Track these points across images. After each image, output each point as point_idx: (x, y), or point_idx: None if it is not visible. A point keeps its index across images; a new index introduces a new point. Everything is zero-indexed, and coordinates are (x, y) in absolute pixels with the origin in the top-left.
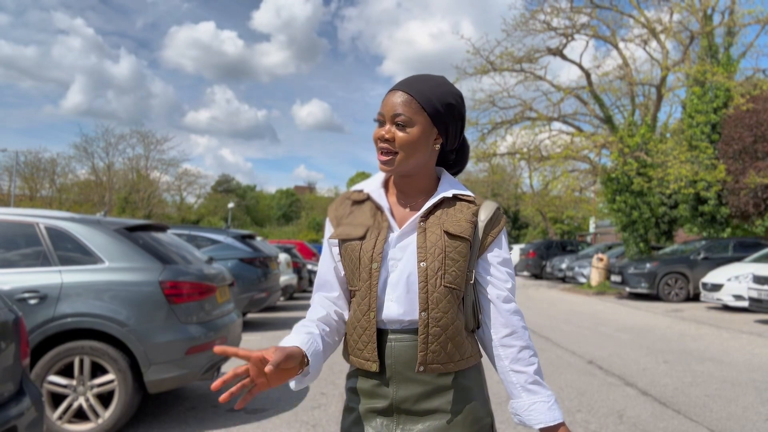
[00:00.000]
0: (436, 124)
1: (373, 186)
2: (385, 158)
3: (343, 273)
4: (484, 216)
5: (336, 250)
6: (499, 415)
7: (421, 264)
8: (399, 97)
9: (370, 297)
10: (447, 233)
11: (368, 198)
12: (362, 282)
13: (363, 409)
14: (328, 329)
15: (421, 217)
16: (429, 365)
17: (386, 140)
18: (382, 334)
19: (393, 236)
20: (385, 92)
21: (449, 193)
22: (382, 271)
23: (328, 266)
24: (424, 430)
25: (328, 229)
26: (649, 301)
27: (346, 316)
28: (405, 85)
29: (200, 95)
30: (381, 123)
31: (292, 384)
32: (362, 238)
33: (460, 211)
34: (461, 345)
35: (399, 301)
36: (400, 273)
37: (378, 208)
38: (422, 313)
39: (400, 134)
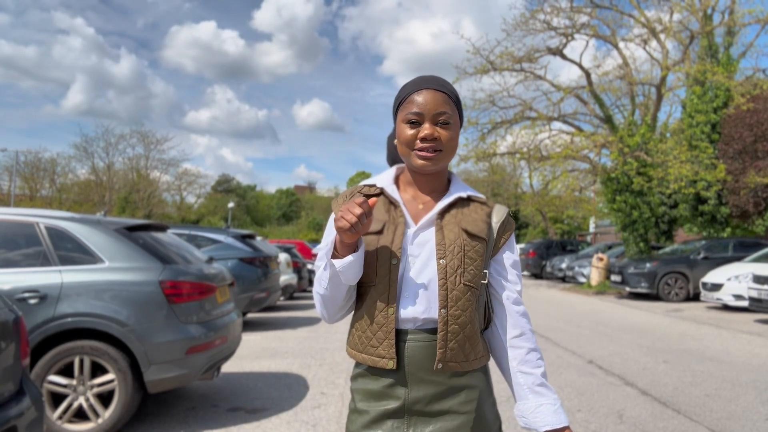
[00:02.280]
0: (461, 121)
1: (386, 182)
2: (430, 155)
3: None
4: (496, 218)
5: None
6: (504, 413)
7: (441, 261)
8: (439, 96)
9: (389, 292)
10: (466, 232)
11: (381, 193)
12: (380, 277)
13: (374, 412)
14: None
15: (438, 214)
16: (447, 363)
17: (434, 139)
18: (396, 334)
19: (410, 232)
20: (385, 92)
21: (464, 194)
22: (400, 267)
23: None
24: (435, 431)
25: (333, 222)
26: (649, 300)
27: (353, 297)
28: (437, 84)
29: (201, 95)
30: (415, 123)
31: (348, 258)
32: (379, 232)
33: (475, 211)
34: (476, 344)
35: (417, 298)
36: (419, 270)
37: (392, 203)
38: (441, 310)
39: (445, 133)
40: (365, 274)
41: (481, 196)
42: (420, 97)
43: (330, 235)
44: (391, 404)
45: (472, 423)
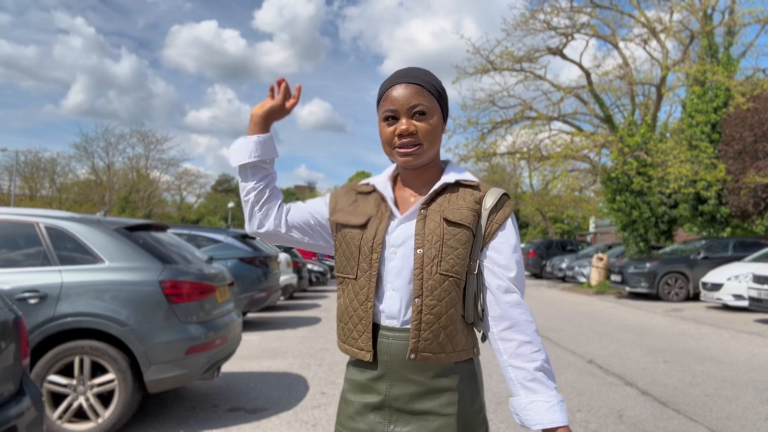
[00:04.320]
0: (443, 109)
1: (381, 180)
2: (410, 150)
3: (309, 221)
4: (489, 203)
5: (321, 220)
6: (499, 414)
7: (418, 251)
8: (411, 89)
9: (369, 287)
10: (446, 220)
11: (374, 190)
12: (362, 272)
13: (357, 403)
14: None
15: (423, 204)
16: (420, 353)
17: (410, 134)
18: (378, 329)
19: (393, 224)
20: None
21: (452, 179)
22: (382, 261)
23: (308, 210)
24: (415, 430)
25: (322, 203)
26: (649, 300)
27: (282, 226)
28: (409, 77)
29: (201, 95)
30: (392, 119)
31: (262, 136)
32: (363, 226)
33: (463, 197)
34: (454, 336)
35: (400, 290)
36: (399, 262)
37: (383, 198)
38: (416, 300)
39: (422, 125)
40: (346, 267)
41: (473, 179)
42: (394, 93)
43: (315, 202)
44: (373, 398)
45: (453, 425)
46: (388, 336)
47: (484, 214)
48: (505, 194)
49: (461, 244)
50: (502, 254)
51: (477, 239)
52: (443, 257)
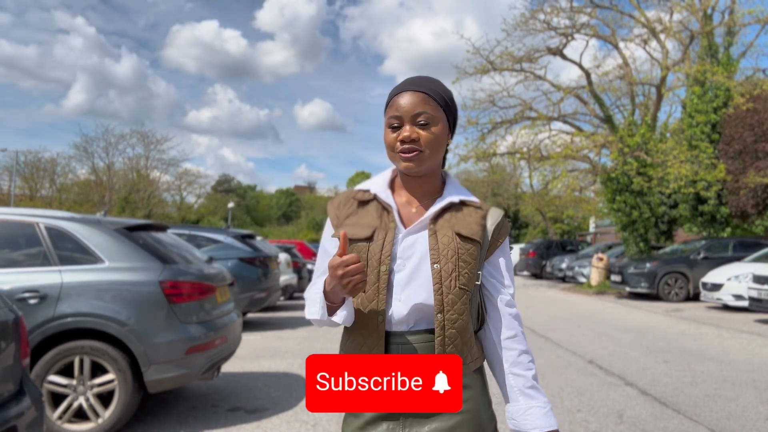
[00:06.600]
0: (449, 120)
1: (380, 186)
2: (410, 156)
3: None
4: (491, 222)
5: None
6: (498, 416)
7: (435, 266)
8: (417, 97)
9: (378, 300)
10: (459, 235)
11: (374, 198)
12: (370, 284)
13: (369, 415)
14: None
15: (431, 219)
16: None
17: (412, 140)
18: (387, 336)
19: (400, 237)
20: (386, 92)
21: (456, 199)
22: (391, 273)
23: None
24: (431, 431)
25: (329, 228)
26: (649, 300)
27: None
28: (416, 85)
29: (202, 95)
30: (396, 126)
31: (346, 307)
32: (369, 239)
33: (469, 215)
34: (471, 347)
35: (407, 301)
36: (410, 274)
37: (385, 208)
38: (438, 315)
39: (424, 133)
40: None
41: (475, 200)
42: (400, 100)
43: (323, 261)
44: None
45: (468, 423)
46: (396, 343)
47: (489, 230)
48: (504, 215)
49: (473, 259)
50: (503, 271)
51: (481, 254)
52: (460, 272)
